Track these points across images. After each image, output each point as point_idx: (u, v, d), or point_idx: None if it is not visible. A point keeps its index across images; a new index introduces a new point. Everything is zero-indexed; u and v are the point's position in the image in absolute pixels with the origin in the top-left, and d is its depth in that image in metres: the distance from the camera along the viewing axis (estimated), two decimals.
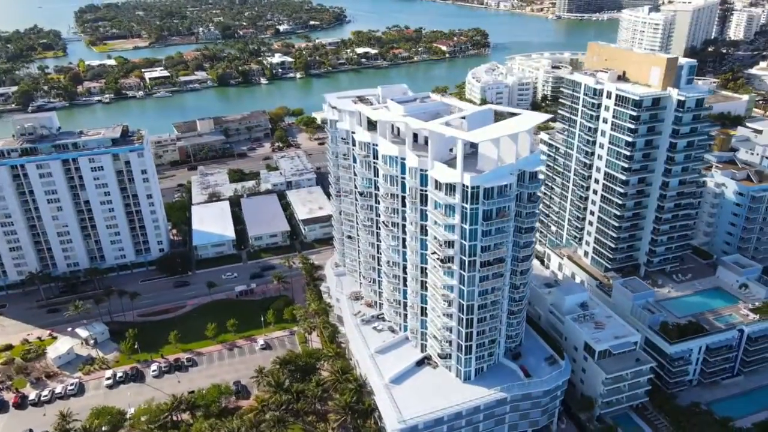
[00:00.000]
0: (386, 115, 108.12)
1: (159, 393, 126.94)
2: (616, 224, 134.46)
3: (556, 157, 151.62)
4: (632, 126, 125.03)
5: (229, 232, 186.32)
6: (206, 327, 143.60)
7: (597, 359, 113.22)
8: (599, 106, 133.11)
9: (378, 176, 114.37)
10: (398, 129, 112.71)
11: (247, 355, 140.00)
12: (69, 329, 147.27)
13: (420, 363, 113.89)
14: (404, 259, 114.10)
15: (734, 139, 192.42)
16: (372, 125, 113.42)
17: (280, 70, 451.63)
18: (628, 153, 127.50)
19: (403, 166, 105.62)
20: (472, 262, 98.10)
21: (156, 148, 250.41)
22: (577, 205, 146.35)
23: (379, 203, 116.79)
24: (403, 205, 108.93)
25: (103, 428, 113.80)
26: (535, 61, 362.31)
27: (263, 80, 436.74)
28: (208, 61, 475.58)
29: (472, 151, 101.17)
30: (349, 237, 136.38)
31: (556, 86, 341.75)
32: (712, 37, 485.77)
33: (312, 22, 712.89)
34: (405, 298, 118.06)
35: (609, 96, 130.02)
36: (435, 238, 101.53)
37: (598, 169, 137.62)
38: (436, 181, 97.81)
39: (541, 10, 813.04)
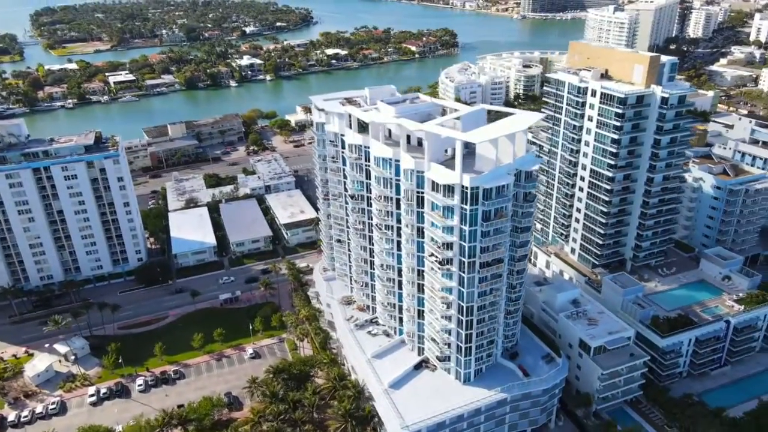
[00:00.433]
0: (379, 116, 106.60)
1: (147, 408, 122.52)
2: (604, 220, 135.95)
3: (540, 155, 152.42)
4: (618, 123, 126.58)
5: (210, 239, 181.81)
6: (192, 337, 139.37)
7: (593, 355, 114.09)
8: (584, 104, 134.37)
9: (370, 179, 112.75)
10: (389, 130, 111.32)
11: (237, 365, 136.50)
12: (46, 345, 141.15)
13: (418, 366, 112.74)
14: (399, 262, 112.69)
15: (708, 135, 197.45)
16: (363, 127, 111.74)
17: (249, 72, 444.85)
18: (614, 150, 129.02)
19: (397, 168, 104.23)
20: (472, 264, 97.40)
21: (127, 154, 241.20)
22: (563, 203, 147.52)
23: (371, 206, 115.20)
24: (398, 207, 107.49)
25: None
26: (507, 60, 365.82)
27: (233, 83, 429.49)
28: (174, 64, 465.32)
29: (467, 151, 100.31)
30: (339, 241, 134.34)
31: (528, 85, 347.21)
32: (674, 35, 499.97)
33: (279, 24, 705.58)
34: (400, 301, 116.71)
35: (594, 94, 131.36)
36: (432, 240, 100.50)
37: (583, 167, 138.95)
38: (434, 183, 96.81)
39: (506, 9, 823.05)
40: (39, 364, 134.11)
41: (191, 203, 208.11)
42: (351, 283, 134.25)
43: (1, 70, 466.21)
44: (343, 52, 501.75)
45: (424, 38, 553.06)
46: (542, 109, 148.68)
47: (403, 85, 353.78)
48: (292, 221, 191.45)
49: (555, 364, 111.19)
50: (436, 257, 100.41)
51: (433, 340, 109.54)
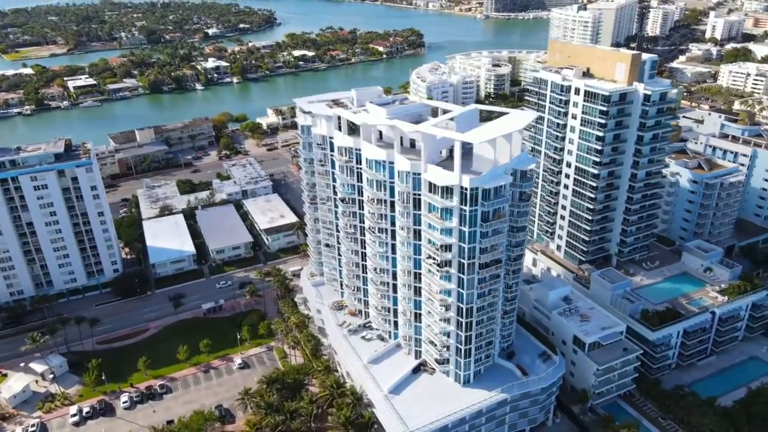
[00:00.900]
0: (370, 118, 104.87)
1: (134, 426, 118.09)
2: (590, 217, 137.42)
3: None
4: (602, 121, 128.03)
5: (188, 247, 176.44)
6: (176, 349, 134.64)
7: (587, 351, 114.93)
8: (567, 102, 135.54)
9: (362, 181, 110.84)
10: (380, 132, 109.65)
11: (225, 376, 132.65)
12: (21, 364, 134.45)
13: (416, 370, 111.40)
14: (393, 266, 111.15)
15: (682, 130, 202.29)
16: (353, 129, 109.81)
17: (215, 75, 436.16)
18: (599, 147, 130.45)
19: (391, 170, 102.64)
20: (471, 265, 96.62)
21: None
22: (548, 200, 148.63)
23: (363, 209, 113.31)
24: (392, 210, 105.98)
25: None
26: (476, 60, 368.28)
27: (199, 86, 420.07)
28: (136, 67, 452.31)
29: (462, 152, 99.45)
30: (327, 245, 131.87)
31: (498, 84, 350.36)
32: (633, 33, 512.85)
33: (242, 25, 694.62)
34: (394, 304, 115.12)
35: (577, 92, 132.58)
36: (430, 242, 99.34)
37: (568, 164, 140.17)
38: (431, 184, 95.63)
39: (469, 9, 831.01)
40: (15, 384, 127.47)
41: (166, 210, 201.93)
42: (341, 288, 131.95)
43: None
44: (310, 54, 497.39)
45: (391, 38, 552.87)
46: (524, 108, 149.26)
47: (372, 86, 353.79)
48: (273, 226, 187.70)
49: (552, 361, 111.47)
50: (435, 259, 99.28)
51: (432, 342, 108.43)
